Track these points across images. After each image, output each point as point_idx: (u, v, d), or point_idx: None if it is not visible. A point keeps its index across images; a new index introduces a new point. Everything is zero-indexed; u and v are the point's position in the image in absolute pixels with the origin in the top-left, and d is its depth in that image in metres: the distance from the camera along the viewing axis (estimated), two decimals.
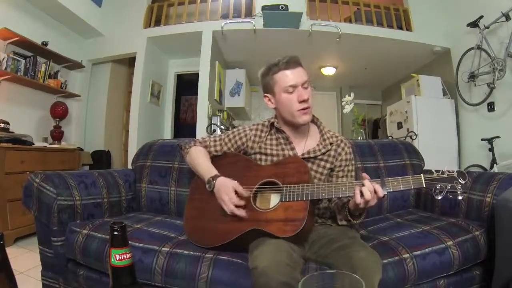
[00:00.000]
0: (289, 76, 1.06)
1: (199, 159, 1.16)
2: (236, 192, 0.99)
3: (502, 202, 1.00)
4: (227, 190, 1.00)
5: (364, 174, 0.93)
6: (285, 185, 0.98)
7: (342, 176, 1.13)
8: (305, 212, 0.92)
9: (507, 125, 2.83)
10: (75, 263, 1.14)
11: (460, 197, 0.86)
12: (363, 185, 0.89)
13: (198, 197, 1.15)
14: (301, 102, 1.05)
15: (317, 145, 1.13)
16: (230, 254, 0.99)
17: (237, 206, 0.97)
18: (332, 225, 1.10)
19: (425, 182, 0.88)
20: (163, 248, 1.01)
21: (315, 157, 1.12)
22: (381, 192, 0.87)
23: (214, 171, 1.09)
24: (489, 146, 2.84)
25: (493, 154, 2.80)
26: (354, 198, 0.89)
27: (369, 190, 0.87)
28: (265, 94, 1.16)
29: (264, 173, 1.05)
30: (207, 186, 1.07)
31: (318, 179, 1.11)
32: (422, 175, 0.89)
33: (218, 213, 1.04)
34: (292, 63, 1.06)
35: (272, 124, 1.18)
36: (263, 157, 1.15)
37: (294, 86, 1.05)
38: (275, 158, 1.12)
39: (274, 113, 1.21)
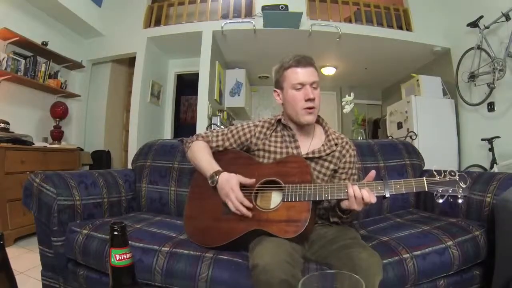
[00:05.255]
0: (299, 73, 1.06)
1: (201, 154, 1.14)
2: (241, 186, 0.99)
3: (502, 202, 1.00)
4: (233, 186, 0.98)
5: (372, 172, 0.94)
6: (287, 185, 0.97)
7: (345, 179, 1.12)
8: (308, 213, 0.92)
9: (507, 125, 2.83)
10: (75, 263, 1.14)
11: (460, 201, 0.86)
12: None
13: (198, 196, 1.15)
14: (307, 100, 1.05)
15: (322, 145, 1.13)
16: (230, 254, 0.99)
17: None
18: (332, 225, 1.10)
19: (427, 186, 0.88)
20: (163, 248, 1.01)
21: (319, 157, 1.11)
22: (368, 198, 0.88)
23: (217, 166, 1.07)
24: (489, 146, 2.84)
25: (493, 154, 2.80)
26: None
27: (356, 194, 0.89)
28: (275, 89, 1.16)
29: (265, 172, 1.05)
30: (209, 181, 1.05)
31: (321, 180, 1.11)
32: (424, 178, 0.89)
33: (219, 213, 1.04)
34: (304, 61, 1.07)
35: (279, 121, 1.17)
36: (266, 154, 1.14)
37: (303, 84, 1.06)
38: (278, 156, 1.12)
39: (281, 111, 1.21)
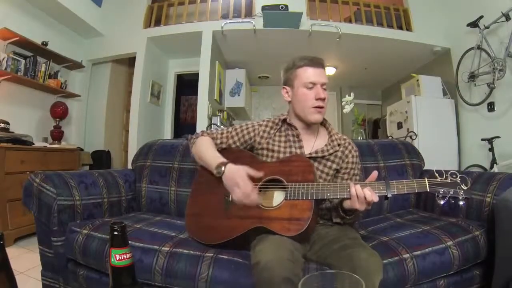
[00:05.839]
0: (311, 73, 1.09)
1: (206, 147, 1.15)
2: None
3: (502, 202, 1.00)
4: (242, 175, 0.98)
5: (374, 172, 0.94)
6: (290, 184, 0.98)
7: (347, 179, 1.13)
8: (310, 212, 0.92)
9: (507, 125, 2.83)
10: (75, 263, 1.14)
11: (461, 203, 0.87)
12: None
13: (200, 193, 1.15)
14: (317, 99, 1.07)
15: (325, 145, 1.14)
16: (230, 253, 0.99)
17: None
18: (333, 226, 1.10)
19: (429, 187, 0.89)
20: (163, 248, 1.02)
21: (322, 157, 1.12)
22: (370, 196, 0.88)
23: (223, 158, 1.08)
24: (489, 146, 2.84)
25: (493, 154, 2.80)
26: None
27: (358, 193, 0.90)
28: (284, 86, 1.18)
29: (268, 170, 1.05)
30: (215, 172, 1.05)
31: (324, 179, 1.12)
32: (426, 179, 0.90)
33: (221, 210, 1.05)
34: (316, 62, 1.10)
35: (284, 121, 1.18)
36: (270, 153, 1.15)
37: (314, 83, 1.08)
38: (281, 155, 1.13)
39: (286, 110, 1.22)
